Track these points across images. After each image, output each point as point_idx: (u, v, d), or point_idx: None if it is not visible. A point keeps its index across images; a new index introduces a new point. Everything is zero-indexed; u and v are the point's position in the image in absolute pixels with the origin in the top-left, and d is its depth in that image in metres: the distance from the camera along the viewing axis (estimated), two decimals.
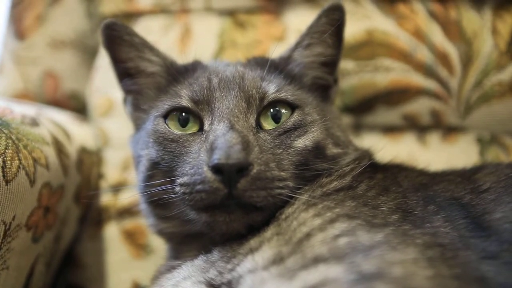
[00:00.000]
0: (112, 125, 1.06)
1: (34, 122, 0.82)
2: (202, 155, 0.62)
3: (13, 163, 0.69)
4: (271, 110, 0.68)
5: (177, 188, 0.63)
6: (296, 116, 0.69)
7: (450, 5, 0.97)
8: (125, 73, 0.78)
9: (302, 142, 0.67)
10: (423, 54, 0.96)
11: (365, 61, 0.98)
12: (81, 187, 0.94)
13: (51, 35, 1.15)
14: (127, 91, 0.80)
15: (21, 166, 0.70)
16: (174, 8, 1.10)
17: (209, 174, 0.60)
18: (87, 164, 0.98)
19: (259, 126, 0.67)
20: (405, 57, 0.96)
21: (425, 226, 0.56)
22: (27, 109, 0.87)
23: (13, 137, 0.72)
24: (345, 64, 0.98)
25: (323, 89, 0.79)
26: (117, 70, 0.79)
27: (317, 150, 0.68)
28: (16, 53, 1.14)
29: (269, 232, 0.61)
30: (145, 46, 0.76)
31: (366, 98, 0.99)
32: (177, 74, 0.74)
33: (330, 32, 0.75)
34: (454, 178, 0.69)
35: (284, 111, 0.69)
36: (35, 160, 0.74)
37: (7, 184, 0.67)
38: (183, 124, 0.68)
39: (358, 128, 1.02)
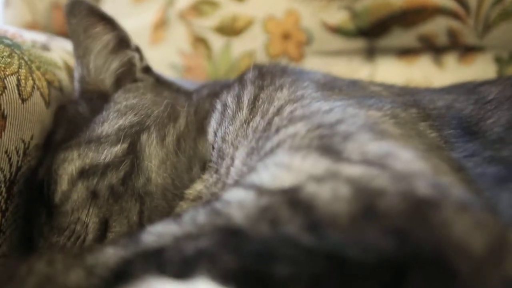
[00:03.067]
0: None
1: (45, 47, 0.81)
2: None
3: (27, 83, 0.69)
4: None
5: None
6: None
7: None
8: None
9: None
10: None
11: None
12: None
13: None
14: None
15: (35, 86, 0.70)
16: None
17: None
18: None
19: None
20: None
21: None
22: (37, 36, 0.86)
23: (25, 58, 0.71)
24: None
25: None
26: None
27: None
28: None
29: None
30: None
31: (380, 20, 0.96)
32: None
33: (90, 24, 0.70)
34: (457, 91, 0.66)
35: None
36: (48, 82, 0.74)
37: (23, 103, 0.67)
38: None
39: (372, 52, 1.00)
